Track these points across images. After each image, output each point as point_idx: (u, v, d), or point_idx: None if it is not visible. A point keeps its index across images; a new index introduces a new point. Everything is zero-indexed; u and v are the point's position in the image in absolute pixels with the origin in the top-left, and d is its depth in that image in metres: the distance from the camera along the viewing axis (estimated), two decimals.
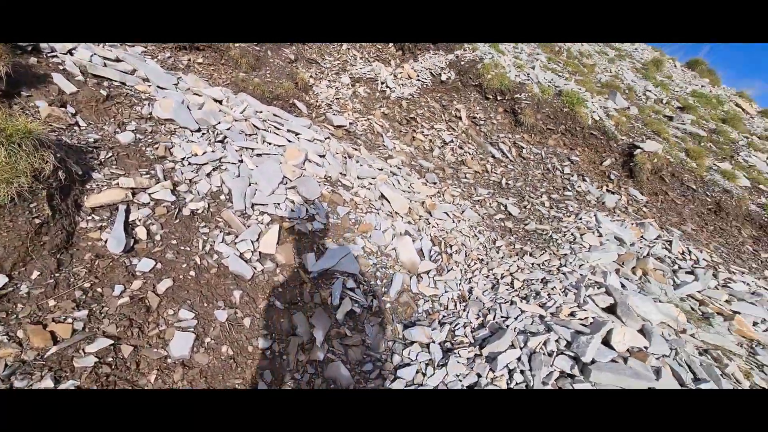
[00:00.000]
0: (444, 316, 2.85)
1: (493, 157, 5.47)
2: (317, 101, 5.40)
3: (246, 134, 3.37)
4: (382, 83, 6.13)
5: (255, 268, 2.41)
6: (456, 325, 2.68)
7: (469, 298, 2.89)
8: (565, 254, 3.40)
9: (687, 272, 3.56)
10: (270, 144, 3.41)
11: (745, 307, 3.22)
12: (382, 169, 4.16)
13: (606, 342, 2.39)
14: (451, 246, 3.48)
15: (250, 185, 2.85)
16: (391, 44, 7.10)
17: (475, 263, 3.32)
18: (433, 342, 2.58)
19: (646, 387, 2.10)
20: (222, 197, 2.65)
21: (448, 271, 3.19)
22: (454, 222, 3.81)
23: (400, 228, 3.47)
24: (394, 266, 3.10)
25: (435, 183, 4.45)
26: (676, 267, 3.64)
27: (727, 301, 3.29)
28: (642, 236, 4.01)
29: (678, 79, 10.64)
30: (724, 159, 6.67)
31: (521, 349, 2.33)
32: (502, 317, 2.66)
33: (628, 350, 2.35)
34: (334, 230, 3.07)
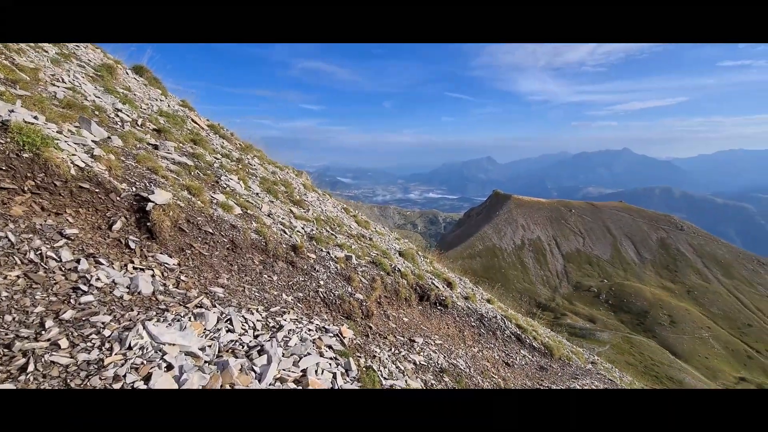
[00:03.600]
0: None
1: None
2: None
3: None
4: None
5: None
6: None
7: None
8: None
9: (258, 350, 3.53)
10: None
11: (306, 362, 3.68)
12: None
13: None
14: None
15: None
16: None
17: None
18: None
19: None
20: None
21: None
22: None
23: None
24: None
25: None
26: (245, 350, 3.51)
27: (294, 363, 3.62)
28: (206, 329, 3.51)
29: (139, 92, 10.32)
30: (213, 188, 7.33)
31: None
32: None
33: None
34: None
